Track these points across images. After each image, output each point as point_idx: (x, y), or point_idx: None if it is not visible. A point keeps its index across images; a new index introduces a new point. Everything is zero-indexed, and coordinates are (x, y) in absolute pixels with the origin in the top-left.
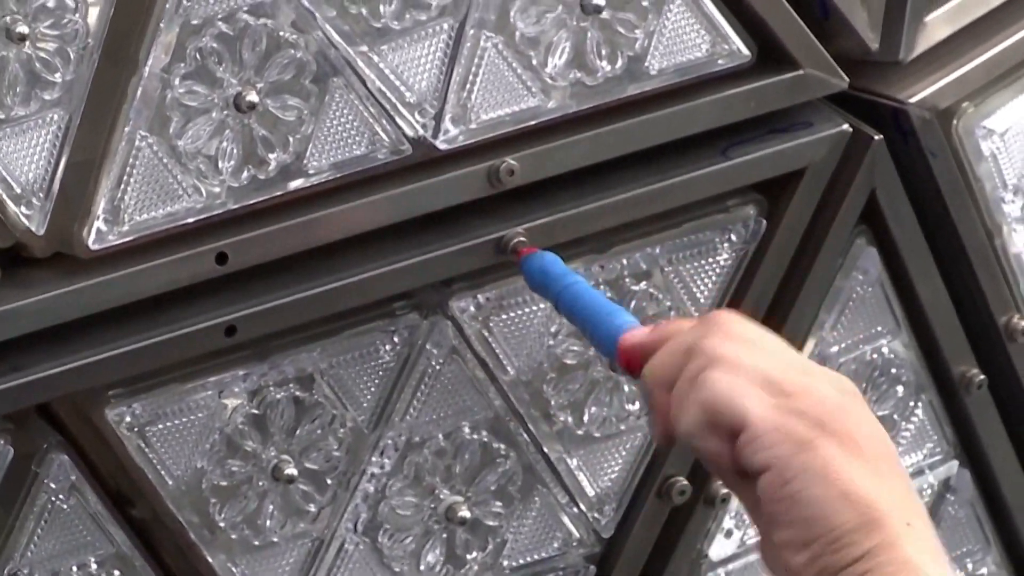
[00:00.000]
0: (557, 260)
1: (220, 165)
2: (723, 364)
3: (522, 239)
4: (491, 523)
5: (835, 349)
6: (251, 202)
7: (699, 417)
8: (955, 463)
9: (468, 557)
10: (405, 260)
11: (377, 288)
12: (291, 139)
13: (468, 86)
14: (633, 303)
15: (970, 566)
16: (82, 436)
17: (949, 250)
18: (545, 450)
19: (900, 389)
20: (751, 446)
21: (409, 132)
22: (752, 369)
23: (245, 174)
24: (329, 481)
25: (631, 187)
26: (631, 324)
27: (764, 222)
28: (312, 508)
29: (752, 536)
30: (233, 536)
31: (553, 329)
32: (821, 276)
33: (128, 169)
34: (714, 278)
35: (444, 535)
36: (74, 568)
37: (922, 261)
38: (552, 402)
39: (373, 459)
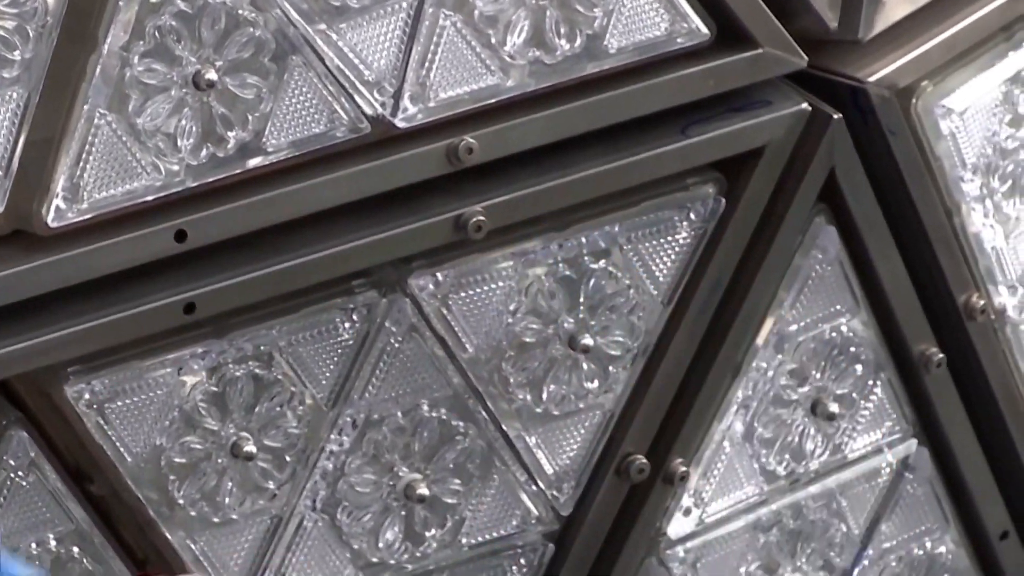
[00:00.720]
0: None
1: (179, 143)
2: None
3: (481, 218)
4: (450, 500)
5: (794, 328)
6: (210, 180)
7: None
8: (914, 441)
9: (427, 535)
10: (364, 238)
11: (336, 266)
12: (250, 117)
13: (427, 64)
14: (592, 281)
15: (928, 544)
16: (41, 413)
17: (908, 229)
18: (504, 428)
19: (859, 368)
20: None
21: (368, 110)
22: None
23: (204, 152)
24: (288, 458)
25: (590, 165)
26: None
27: (723, 200)
28: (271, 485)
29: (711, 514)
30: (192, 513)
31: (512, 307)
32: (780, 254)
33: (87, 147)
34: (673, 256)
35: (403, 512)
36: (33, 545)
37: (881, 240)
38: (511, 380)
39: (332, 436)
